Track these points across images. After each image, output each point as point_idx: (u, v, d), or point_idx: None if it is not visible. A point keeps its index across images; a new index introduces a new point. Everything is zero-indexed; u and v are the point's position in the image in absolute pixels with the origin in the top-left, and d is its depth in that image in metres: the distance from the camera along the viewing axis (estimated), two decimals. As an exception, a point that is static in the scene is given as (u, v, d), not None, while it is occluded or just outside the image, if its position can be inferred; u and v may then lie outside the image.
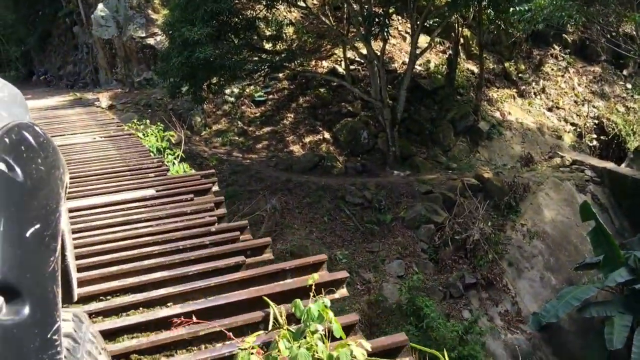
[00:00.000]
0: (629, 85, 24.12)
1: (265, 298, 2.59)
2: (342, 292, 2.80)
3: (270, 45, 20.31)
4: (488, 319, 13.62)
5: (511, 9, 11.72)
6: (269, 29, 20.31)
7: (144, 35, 21.73)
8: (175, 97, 17.95)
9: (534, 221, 15.90)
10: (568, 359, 13.49)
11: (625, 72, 24.88)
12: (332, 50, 21.14)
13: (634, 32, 24.21)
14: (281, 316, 2.42)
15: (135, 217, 4.48)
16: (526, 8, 10.97)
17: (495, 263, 14.57)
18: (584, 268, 14.52)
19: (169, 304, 2.85)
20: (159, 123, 12.57)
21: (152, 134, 10.75)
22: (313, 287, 2.40)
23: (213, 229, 3.85)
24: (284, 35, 20.97)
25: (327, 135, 18.70)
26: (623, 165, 21.54)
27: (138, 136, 10.09)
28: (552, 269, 15.08)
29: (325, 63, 20.75)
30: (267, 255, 3.45)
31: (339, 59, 20.64)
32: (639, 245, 13.95)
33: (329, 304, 2.26)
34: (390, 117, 17.64)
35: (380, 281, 13.88)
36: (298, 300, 2.36)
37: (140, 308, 2.80)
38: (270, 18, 18.95)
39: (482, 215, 15.33)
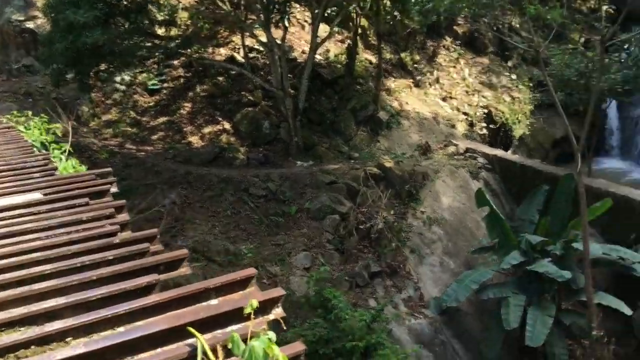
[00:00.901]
0: (513, 76, 25.46)
1: (191, 329, 2.20)
2: (278, 312, 2.46)
3: (164, 30, 19.33)
4: (393, 306, 13.80)
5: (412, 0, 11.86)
6: (161, 13, 19.28)
7: (22, 18, 19.88)
8: (59, 85, 16.57)
9: (433, 208, 16.33)
10: (468, 340, 13.99)
11: (510, 64, 26.24)
12: (229, 38, 20.49)
13: (517, 25, 25.61)
14: (215, 354, 2.04)
15: (19, 227, 3.84)
16: (427, -1, 11.13)
17: (399, 251, 14.80)
18: (479, 252, 15.12)
19: (68, 340, 2.38)
20: (42, 114, 11.45)
21: (35, 127, 9.70)
22: (252, 315, 2.06)
23: (117, 240, 3.35)
24: (178, 20, 20.03)
25: (227, 125, 18.12)
26: (509, 152, 22.77)
27: (19, 130, 9.06)
28: (451, 254, 15.57)
29: (223, 50, 20.08)
30: (184, 269, 3.02)
31: (238, 47, 20.04)
32: (528, 228, 14.70)
33: (274, 338, 1.93)
34: (292, 106, 17.38)
35: (287, 274, 13.64)
36: (236, 336, 2.00)
37: (32, 347, 2.30)
38: (162, 1, 17.99)
39: (384, 204, 15.51)
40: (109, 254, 3.13)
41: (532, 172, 17.32)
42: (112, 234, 3.48)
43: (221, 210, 14.77)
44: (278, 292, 2.48)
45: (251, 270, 2.63)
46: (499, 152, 19.44)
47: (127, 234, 3.59)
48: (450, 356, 13.57)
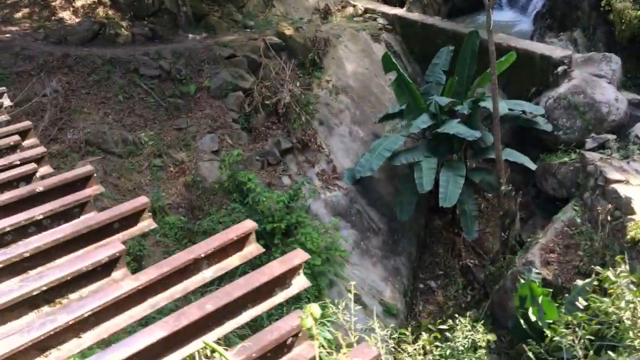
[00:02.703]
0: None
1: (211, 344, 1.54)
2: (301, 282, 1.86)
3: None
4: (307, 180, 13.56)
5: None
6: None
7: None
8: None
9: (338, 76, 15.77)
10: (381, 206, 14.25)
11: None
12: None
13: None
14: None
15: None
16: None
17: (308, 124, 14.30)
18: (386, 119, 14.99)
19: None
20: None
21: None
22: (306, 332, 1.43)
23: (41, 188, 2.46)
24: None
25: (102, -5, 15.87)
26: (405, 9, 22.17)
27: None
28: (359, 122, 15.34)
29: None
30: (146, 223, 2.26)
31: None
32: (436, 90, 14.61)
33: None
34: (176, -30, 15.43)
35: (194, 160, 12.82)
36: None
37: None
38: None
39: (289, 75, 14.68)
40: (37, 211, 2.27)
41: (434, 31, 17.00)
42: (30, 175, 2.58)
43: (111, 95, 13.28)
44: (300, 256, 1.85)
45: (248, 224, 1.96)
46: (399, 11, 18.80)
47: (54, 178, 2.67)
48: (366, 223, 13.81)
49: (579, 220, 12.38)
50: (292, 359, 1.64)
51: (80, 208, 2.16)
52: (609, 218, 11.45)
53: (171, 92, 13.71)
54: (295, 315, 1.72)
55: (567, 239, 12.46)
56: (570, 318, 10.62)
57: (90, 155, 12.11)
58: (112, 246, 1.96)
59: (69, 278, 1.79)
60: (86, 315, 1.71)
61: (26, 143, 2.85)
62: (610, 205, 11.53)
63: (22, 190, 2.25)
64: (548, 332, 10.61)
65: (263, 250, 2.04)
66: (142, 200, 2.17)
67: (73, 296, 1.83)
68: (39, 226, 2.11)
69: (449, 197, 12.57)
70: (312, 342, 1.58)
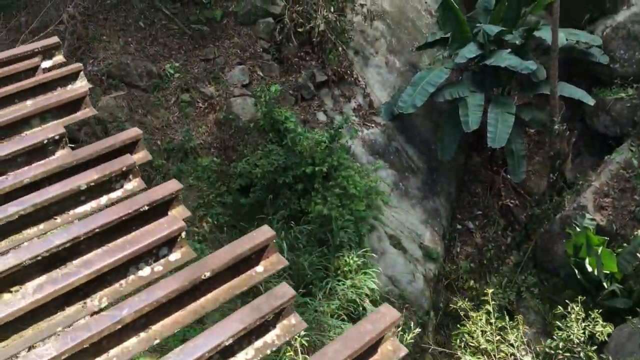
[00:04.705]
0: None
1: None
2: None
3: None
4: (347, 118, 12.65)
5: None
6: None
7: None
8: None
9: (373, -1, 14.45)
10: (420, 144, 13.44)
11: None
12: None
13: None
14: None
15: None
16: None
17: (344, 54, 13.19)
18: (425, 47, 13.89)
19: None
20: None
21: None
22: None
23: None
24: None
25: None
26: None
27: None
28: (395, 52, 14.24)
29: None
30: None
31: None
32: (484, 17, 13.37)
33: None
34: None
35: (224, 94, 11.85)
36: None
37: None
38: None
39: (322, -1, 13.39)
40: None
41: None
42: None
43: (131, 21, 12.11)
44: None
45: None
46: None
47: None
48: (405, 162, 13.05)
49: (636, 162, 11.63)
50: None
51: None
52: (672, 161, 10.73)
53: (195, 17, 12.51)
54: None
55: (622, 182, 11.75)
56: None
57: (113, 89, 11.16)
58: None
59: None
60: None
61: (137, 158, 2.02)
62: (675, 148, 10.78)
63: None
64: (606, 284, 10.21)
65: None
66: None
67: None
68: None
69: (498, 137, 11.72)
70: None
